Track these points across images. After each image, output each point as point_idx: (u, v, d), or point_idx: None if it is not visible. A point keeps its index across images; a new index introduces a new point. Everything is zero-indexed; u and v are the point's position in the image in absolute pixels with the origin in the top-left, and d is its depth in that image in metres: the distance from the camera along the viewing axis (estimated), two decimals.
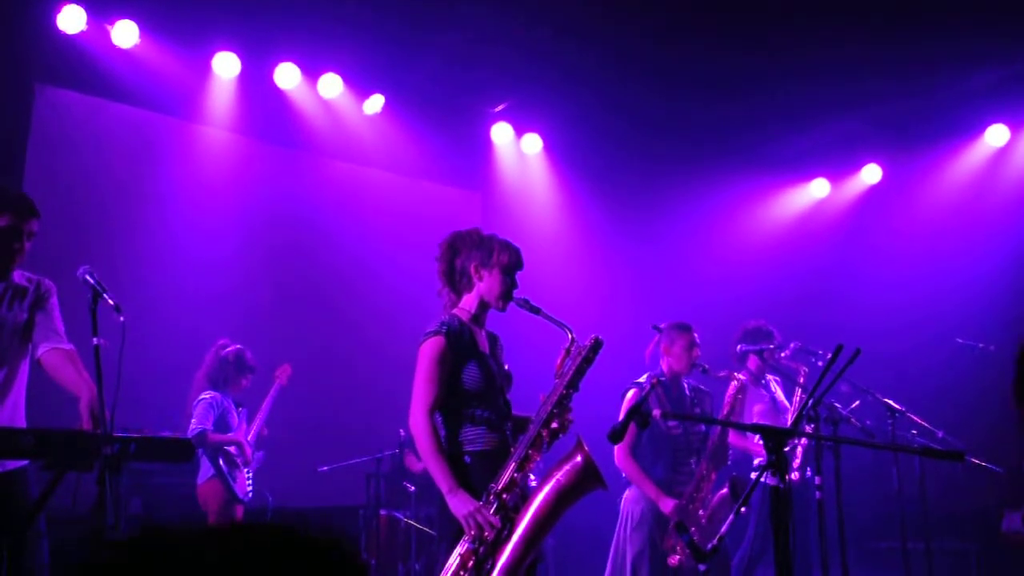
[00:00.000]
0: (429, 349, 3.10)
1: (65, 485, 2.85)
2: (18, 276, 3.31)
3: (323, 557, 0.87)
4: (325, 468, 6.11)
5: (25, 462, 3.18)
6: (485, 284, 3.22)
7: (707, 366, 4.54)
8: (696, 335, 4.59)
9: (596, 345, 3.13)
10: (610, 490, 3.17)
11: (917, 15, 6.08)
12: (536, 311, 3.20)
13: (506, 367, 3.33)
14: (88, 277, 3.08)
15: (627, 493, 4.50)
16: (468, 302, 3.26)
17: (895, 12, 6.09)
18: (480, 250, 3.23)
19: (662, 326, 4.63)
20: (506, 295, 3.22)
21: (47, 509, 3.04)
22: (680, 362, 4.53)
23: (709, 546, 2.95)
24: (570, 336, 3.15)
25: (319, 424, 6.60)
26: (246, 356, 5.45)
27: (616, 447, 4.37)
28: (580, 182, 8.34)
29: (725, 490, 4.37)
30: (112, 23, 6.13)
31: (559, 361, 3.15)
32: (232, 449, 5.30)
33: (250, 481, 5.42)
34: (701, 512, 4.36)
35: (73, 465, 2.80)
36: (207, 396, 5.29)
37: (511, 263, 3.23)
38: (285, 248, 7.14)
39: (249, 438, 5.44)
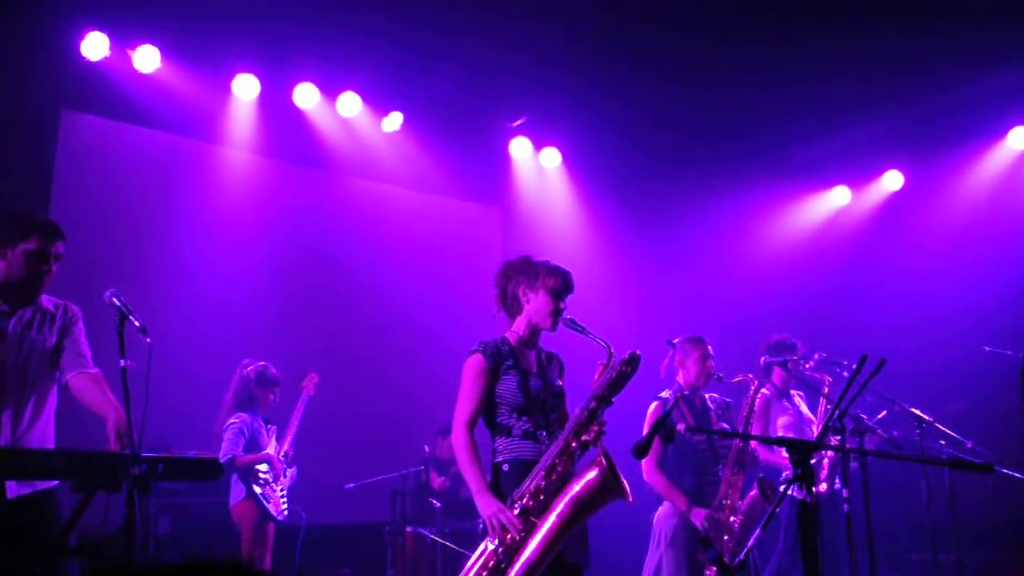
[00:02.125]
0: (468, 366, 3.36)
1: (96, 505, 2.88)
2: (46, 300, 3.35)
3: None
4: (351, 485, 6.12)
5: (55, 483, 3.21)
6: (532, 306, 3.43)
7: (721, 375, 4.59)
8: (710, 347, 4.60)
9: (632, 359, 3.27)
10: (640, 506, 3.18)
11: (935, 17, 6.04)
12: (580, 330, 3.39)
13: (560, 383, 3.49)
14: (115, 300, 3.12)
15: (659, 510, 4.48)
16: (518, 324, 3.48)
17: (913, 15, 6.05)
18: (527, 274, 3.46)
19: (675, 340, 4.64)
20: (553, 315, 3.40)
21: (77, 528, 3.07)
22: (696, 374, 4.56)
23: (737, 560, 2.93)
24: (608, 352, 3.30)
25: (344, 442, 6.61)
26: (269, 371, 5.47)
27: (643, 462, 4.36)
28: (599, 195, 8.34)
29: (755, 492, 4.34)
30: (134, 48, 6.21)
31: (596, 376, 3.30)
32: (263, 467, 5.31)
33: (284, 499, 5.42)
34: (733, 519, 4.32)
35: (102, 486, 2.82)
36: (235, 421, 5.30)
37: (557, 286, 3.41)
38: (308, 267, 7.18)
39: (281, 454, 5.46)
